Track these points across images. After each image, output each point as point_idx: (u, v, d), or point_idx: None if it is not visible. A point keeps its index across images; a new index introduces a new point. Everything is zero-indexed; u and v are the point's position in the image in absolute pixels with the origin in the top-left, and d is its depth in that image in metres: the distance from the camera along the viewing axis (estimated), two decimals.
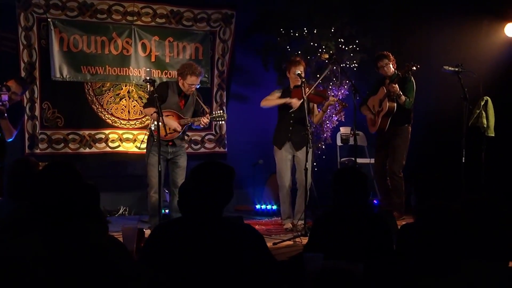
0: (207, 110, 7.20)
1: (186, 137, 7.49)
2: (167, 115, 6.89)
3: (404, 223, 6.80)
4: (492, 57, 8.39)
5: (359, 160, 8.87)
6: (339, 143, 9.12)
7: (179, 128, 6.96)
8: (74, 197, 3.02)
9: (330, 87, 8.93)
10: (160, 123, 6.49)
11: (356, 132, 6.97)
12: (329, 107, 7.51)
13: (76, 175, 3.21)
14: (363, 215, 4.30)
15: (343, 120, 8.99)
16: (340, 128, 7.79)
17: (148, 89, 6.71)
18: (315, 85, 7.19)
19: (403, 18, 9.54)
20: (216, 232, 3.36)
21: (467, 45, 8.59)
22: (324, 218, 4.48)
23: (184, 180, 4.21)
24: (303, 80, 6.98)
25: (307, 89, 6.99)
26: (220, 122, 7.30)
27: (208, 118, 7.07)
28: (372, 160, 8.41)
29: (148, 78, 6.68)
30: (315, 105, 7.46)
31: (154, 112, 6.55)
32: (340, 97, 8.59)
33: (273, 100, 7.48)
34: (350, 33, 9.10)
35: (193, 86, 7.00)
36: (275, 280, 3.45)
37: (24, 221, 3.37)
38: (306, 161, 6.81)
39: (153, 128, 6.87)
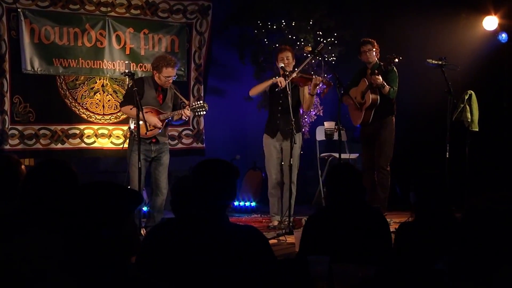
0: (187, 102, 6.94)
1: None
2: (146, 112, 6.58)
3: (388, 219, 6.78)
4: (470, 50, 8.34)
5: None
6: (318, 138, 8.97)
7: (159, 123, 6.70)
8: (71, 200, 2.81)
9: None
10: (140, 120, 6.27)
11: (341, 127, 6.81)
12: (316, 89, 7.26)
13: (72, 175, 2.99)
14: (360, 212, 4.17)
15: (322, 114, 8.85)
16: (324, 123, 7.62)
17: (127, 83, 6.41)
18: (298, 70, 6.98)
19: (382, 10, 9.41)
20: (220, 235, 3.17)
21: (446, 38, 8.51)
22: (318, 216, 4.32)
23: (181, 179, 3.97)
24: (287, 73, 6.79)
25: (293, 75, 6.82)
26: (201, 113, 6.99)
27: (189, 110, 6.83)
28: (352, 156, 8.28)
29: (127, 71, 6.38)
30: (306, 93, 7.22)
31: (133, 107, 6.30)
32: (319, 91, 8.40)
33: (259, 85, 7.23)
34: (329, 26, 8.95)
35: (170, 78, 6.74)
36: (279, 284, 3.28)
37: (12, 224, 3.13)
38: (291, 156, 6.64)
39: (132, 127, 6.62)
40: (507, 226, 2.53)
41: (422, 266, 3.92)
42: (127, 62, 6.88)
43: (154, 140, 6.75)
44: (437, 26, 8.58)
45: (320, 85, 7.17)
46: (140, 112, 6.15)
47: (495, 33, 8.36)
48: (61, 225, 2.71)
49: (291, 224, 6.60)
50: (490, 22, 8.36)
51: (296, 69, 7.07)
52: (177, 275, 3.06)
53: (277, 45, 8.67)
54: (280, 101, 7.06)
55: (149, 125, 6.48)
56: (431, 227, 4.00)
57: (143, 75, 7.70)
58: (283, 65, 6.91)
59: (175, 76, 6.84)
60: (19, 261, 2.61)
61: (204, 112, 6.97)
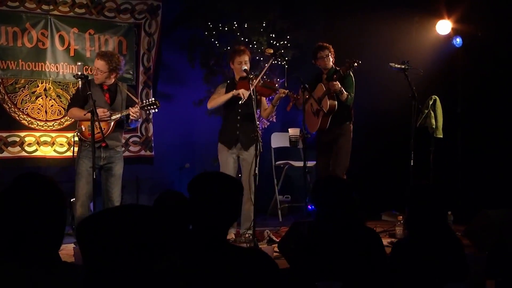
0: (137, 101, 6.42)
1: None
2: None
3: None
4: (424, 55, 8.16)
5: (295, 164, 8.49)
6: (274, 145, 8.67)
7: (106, 112, 6.16)
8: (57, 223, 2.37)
9: None
10: (87, 124, 5.84)
11: (306, 134, 6.50)
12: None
13: (60, 196, 2.50)
14: (352, 228, 3.87)
15: (275, 120, 8.54)
16: (289, 129, 7.30)
17: (79, 86, 5.87)
18: (260, 76, 6.66)
19: (334, 12, 9.19)
20: (225, 260, 2.78)
21: (400, 42, 8.35)
22: (311, 237, 3.99)
23: (166, 194, 3.54)
24: (250, 76, 6.43)
25: (253, 82, 6.45)
26: (153, 111, 6.48)
27: (137, 108, 6.26)
28: (309, 163, 7.98)
29: (79, 73, 5.87)
30: (263, 99, 6.93)
31: (88, 112, 5.80)
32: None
33: (219, 98, 6.84)
34: (282, 28, 8.63)
35: (97, 70, 6.24)
36: None
37: None
38: (256, 165, 6.28)
39: (79, 132, 6.15)
40: None
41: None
42: (79, 63, 6.30)
43: (103, 144, 6.14)
44: (390, 29, 8.40)
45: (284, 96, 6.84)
46: (95, 118, 5.68)
47: (449, 37, 8.23)
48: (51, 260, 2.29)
49: (255, 238, 6.24)
50: (444, 26, 8.22)
51: (256, 74, 6.76)
52: None
53: (228, 47, 8.33)
54: (239, 110, 6.70)
55: (96, 126, 5.90)
56: (427, 243, 3.76)
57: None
58: (246, 67, 6.55)
59: (129, 74, 6.38)
60: None
61: (156, 110, 6.46)
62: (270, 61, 6.98)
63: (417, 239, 3.83)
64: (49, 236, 2.31)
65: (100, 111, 6.05)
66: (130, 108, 6.25)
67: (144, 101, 6.50)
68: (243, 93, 6.51)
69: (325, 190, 3.93)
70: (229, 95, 6.70)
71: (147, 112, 6.65)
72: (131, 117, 6.28)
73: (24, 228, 2.31)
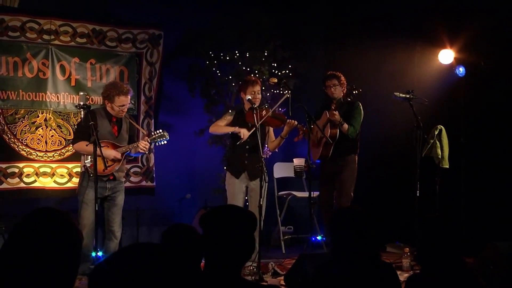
0: (145, 132, 6.39)
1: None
2: (102, 146, 5.92)
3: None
4: (427, 84, 8.09)
5: (298, 194, 8.38)
6: (276, 175, 8.57)
7: (118, 155, 6.12)
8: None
9: None
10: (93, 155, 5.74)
11: (311, 164, 6.41)
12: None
13: (77, 234, 2.36)
14: (369, 263, 3.73)
15: (277, 150, 8.44)
16: (294, 159, 7.19)
17: (82, 117, 5.77)
18: (273, 109, 6.59)
19: (336, 41, 9.16)
20: None
21: (402, 72, 8.30)
22: (326, 274, 3.84)
23: (174, 228, 3.41)
24: (255, 106, 6.36)
25: (263, 113, 6.37)
26: (162, 143, 6.44)
27: (147, 141, 6.24)
28: (314, 194, 7.89)
29: (82, 103, 5.76)
30: (271, 130, 6.84)
31: (89, 143, 5.71)
32: None
33: (222, 127, 6.81)
34: (283, 57, 8.57)
35: (124, 107, 6.24)
36: None
37: None
38: (261, 196, 6.17)
39: (88, 165, 6.04)
40: None
41: None
42: (82, 93, 6.15)
43: (111, 177, 6.17)
44: (392, 58, 8.36)
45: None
46: (98, 148, 5.58)
47: (451, 66, 8.16)
48: None
49: (260, 271, 6.12)
50: (446, 56, 8.16)
51: (266, 106, 6.69)
52: None
53: (230, 77, 8.28)
54: (248, 139, 6.61)
55: (107, 160, 5.89)
56: (441, 278, 3.63)
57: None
58: (250, 97, 6.47)
59: (130, 103, 6.33)
60: None
61: (165, 142, 6.42)
62: (285, 96, 6.77)
63: (431, 273, 3.70)
64: (63, 276, 2.19)
65: (111, 155, 6.11)
66: (140, 142, 6.22)
67: (153, 133, 6.46)
68: (244, 133, 6.46)
69: (344, 222, 3.80)
70: (231, 129, 6.71)
71: (157, 144, 6.58)
72: (140, 151, 6.29)
73: (37, 267, 2.18)
